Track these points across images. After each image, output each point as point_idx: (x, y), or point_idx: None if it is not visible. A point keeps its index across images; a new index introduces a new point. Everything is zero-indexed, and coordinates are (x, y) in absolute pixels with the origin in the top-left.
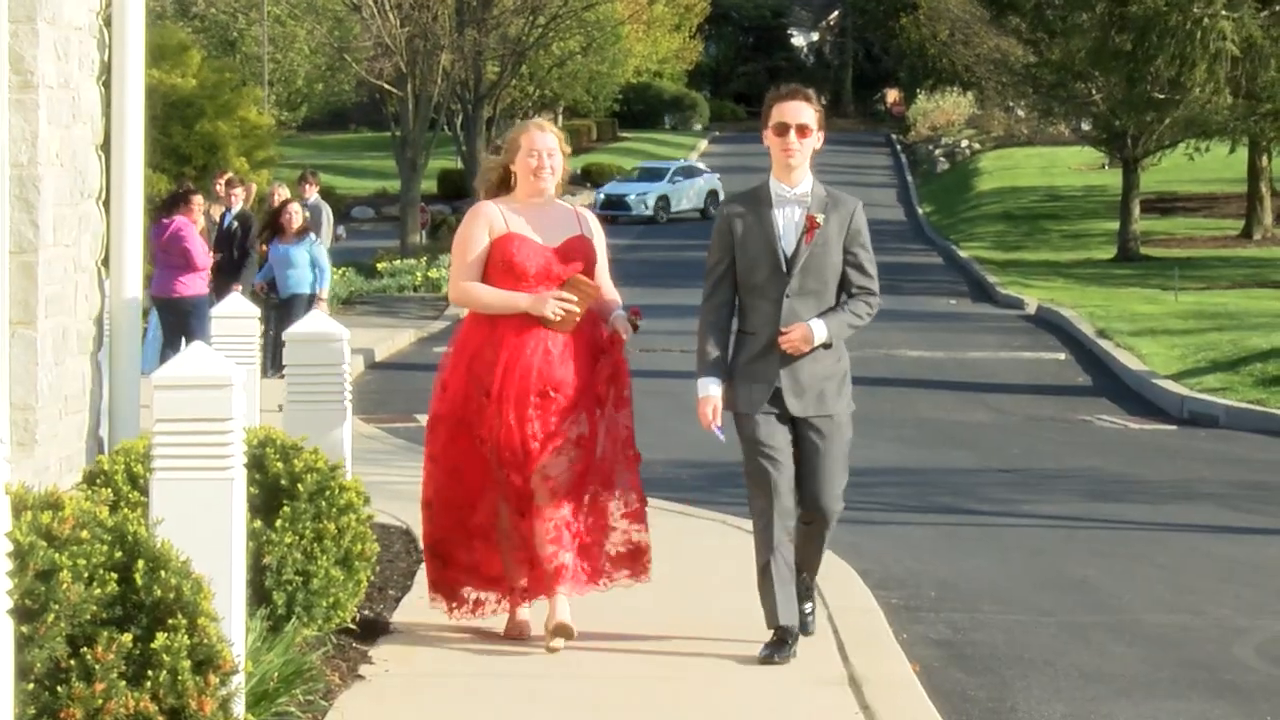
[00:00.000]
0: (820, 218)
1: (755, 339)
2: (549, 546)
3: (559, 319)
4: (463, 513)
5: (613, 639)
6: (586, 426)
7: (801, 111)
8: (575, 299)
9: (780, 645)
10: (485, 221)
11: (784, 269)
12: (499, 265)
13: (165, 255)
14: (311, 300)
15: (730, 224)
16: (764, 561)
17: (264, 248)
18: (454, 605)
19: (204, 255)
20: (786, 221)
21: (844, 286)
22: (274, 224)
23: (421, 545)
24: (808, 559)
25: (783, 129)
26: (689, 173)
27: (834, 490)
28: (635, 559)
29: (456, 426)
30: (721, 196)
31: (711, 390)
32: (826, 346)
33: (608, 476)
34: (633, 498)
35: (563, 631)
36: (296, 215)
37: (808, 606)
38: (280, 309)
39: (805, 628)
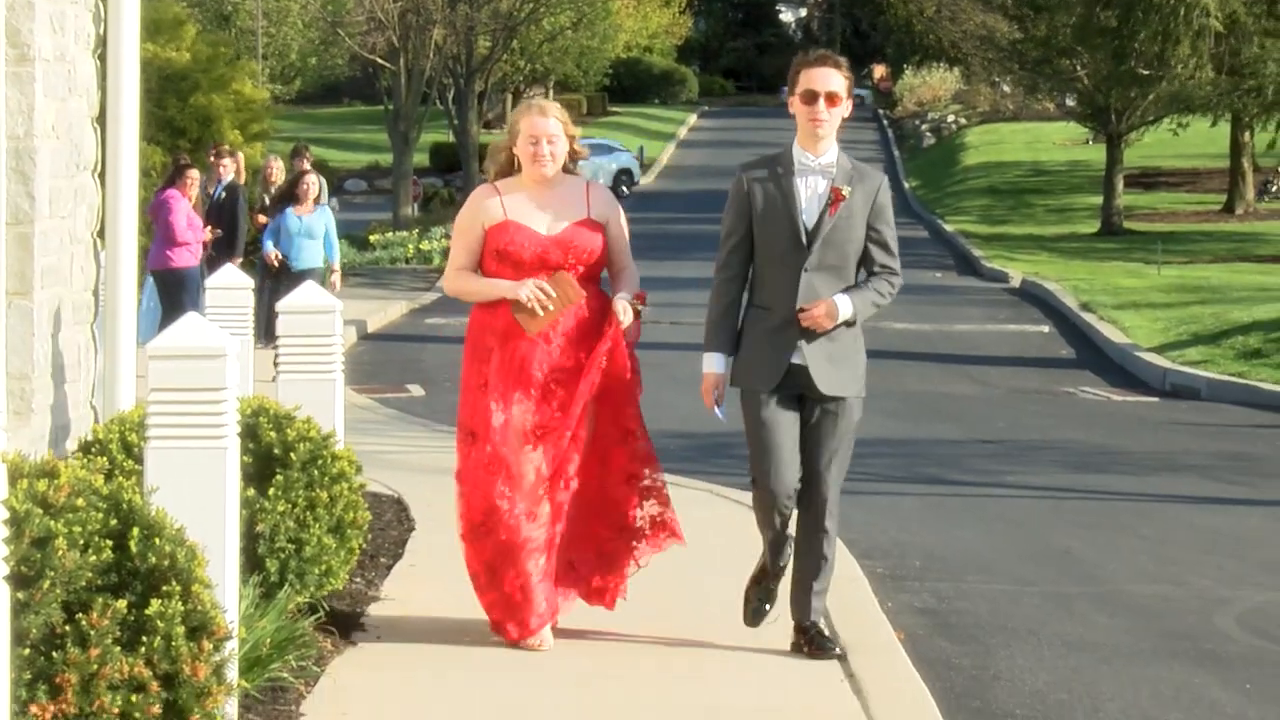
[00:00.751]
0: (846, 190)
1: (769, 314)
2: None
3: (530, 306)
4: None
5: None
6: (589, 423)
7: (831, 78)
8: (554, 295)
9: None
10: (480, 209)
11: (804, 241)
12: (493, 254)
13: (154, 227)
14: (327, 274)
15: (749, 191)
16: (768, 537)
17: (263, 218)
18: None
19: (184, 229)
20: (809, 192)
21: (864, 264)
22: (290, 195)
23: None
24: (803, 596)
25: (811, 97)
26: (598, 150)
27: (833, 472)
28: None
29: (474, 430)
30: (637, 176)
31: (716, 367)
32: (849, 324)
33: (601, 482)
34: (625, 512)
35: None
36: (313, 185)
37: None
38: (292, 280)
39: (824, 648)
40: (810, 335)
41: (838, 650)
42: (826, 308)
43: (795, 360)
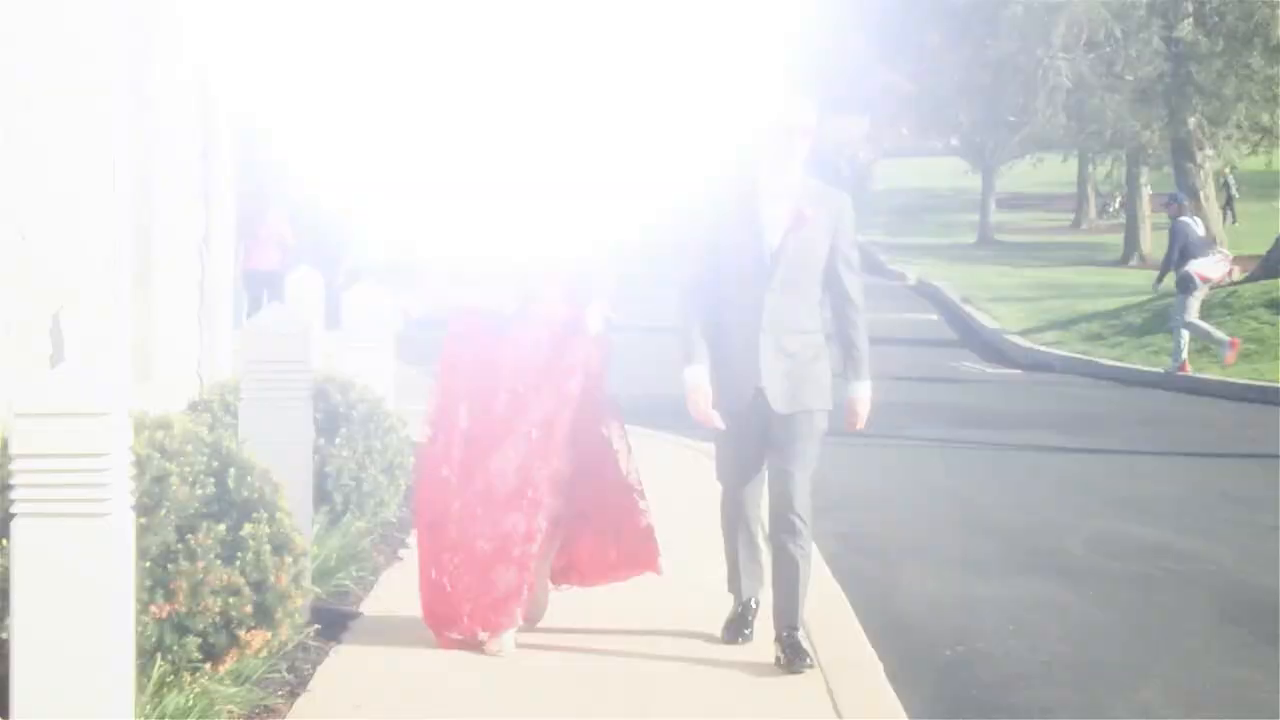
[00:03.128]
0: (809, 211)
1: (733, 333)
2: (510, 568)
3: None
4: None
5: None
6: (559, 425)
7: (803, 112)
8: None
9: (739, 624)
10: None
11: (766, 261)
12: None
13: (281, 239)
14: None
15: (713, 211)
16: (730, 548)
17: None
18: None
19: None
20: (772, 212)
21: (830, 284)
22: None
23: (420, 572)
24: (784, 603)
25: (783, 129)
26: None
27: (799, 479)
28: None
29: (438, 428)
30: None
31: (700, 380)
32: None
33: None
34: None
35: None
36: None
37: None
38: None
39: (795, 664)
40: (767, 356)
41: (809, 663)
42: (865, 408)
43: (756, 383)
